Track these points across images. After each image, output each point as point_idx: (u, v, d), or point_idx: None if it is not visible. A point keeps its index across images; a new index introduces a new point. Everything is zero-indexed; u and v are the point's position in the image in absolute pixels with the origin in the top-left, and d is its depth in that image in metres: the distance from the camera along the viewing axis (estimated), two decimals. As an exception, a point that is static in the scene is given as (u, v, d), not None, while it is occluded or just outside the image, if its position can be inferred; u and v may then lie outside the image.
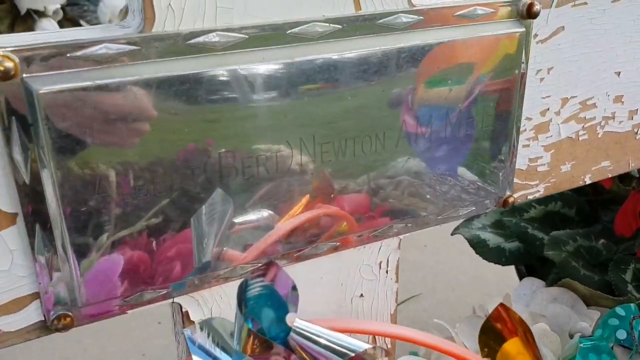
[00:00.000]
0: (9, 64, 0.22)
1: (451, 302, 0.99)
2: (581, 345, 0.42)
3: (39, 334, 0.28)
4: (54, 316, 0.27)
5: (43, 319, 0.27)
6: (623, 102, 0.40)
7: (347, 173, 0.31)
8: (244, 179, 0.28)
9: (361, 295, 0.36)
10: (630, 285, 0.51)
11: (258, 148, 0.28)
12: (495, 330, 0.27)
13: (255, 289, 0.28)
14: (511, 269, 0.73)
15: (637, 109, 0.41)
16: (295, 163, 0.29)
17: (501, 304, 0.26)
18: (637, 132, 0.42)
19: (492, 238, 0.63)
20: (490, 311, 0.53)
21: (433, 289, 1.05)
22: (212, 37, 0.25)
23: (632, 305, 0.42)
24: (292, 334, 0.28)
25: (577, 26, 0.36)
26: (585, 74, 0.38)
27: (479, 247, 0.63)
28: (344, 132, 0.30)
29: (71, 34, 0.24)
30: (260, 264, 0.28)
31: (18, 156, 0.24)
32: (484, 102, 0.33)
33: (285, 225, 0.31)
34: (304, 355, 0.27)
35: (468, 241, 0.64)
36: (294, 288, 0.28)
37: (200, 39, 0.25)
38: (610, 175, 0.42)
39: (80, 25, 1.28)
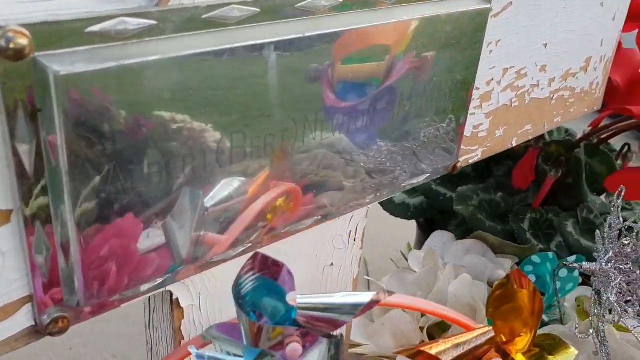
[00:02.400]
0: (23, 41, 0.19)
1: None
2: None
3: (27, 341, 0.25)
4: (48, 320, 0.24)
5: (34, 324, 0.24)
6: (546, 70, 0.44)
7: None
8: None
9: (331, 264, 0.36)
10: (529, 233, 0.57)
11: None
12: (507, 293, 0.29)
13: (248, 284, 0.27)
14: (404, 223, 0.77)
15: (554, 77, 0.45)
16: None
17: (517, 270, 0.28)
18: (552, 98, 0.46)
19: (397, 195, 0.66)
20: (410, 263, 0.56)
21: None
22: (229, 12, 0.24)
23: (551, 253, 0.48)
24: (298, 311, 0.28)
25: (522, 1, 0.38)
26: (522, 45, 0.40)
27: (386, 203, 0.66)
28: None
29: (75, 3, 0.21)
30: (248, 260, 0.26)
31: (23, 146, 0.20)
32: (450, 76, 0.34)
33: (257, 203, 0.31)
34: (317, 324, 0.27)
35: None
36: (286, 269, 0.27)
37: (217, 12, 0.23)
38: (530, 138, 0.47)
39: None
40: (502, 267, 0.52)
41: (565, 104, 0.48)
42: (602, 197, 0.64)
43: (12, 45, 0.19)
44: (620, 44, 0.53)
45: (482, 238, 0.55)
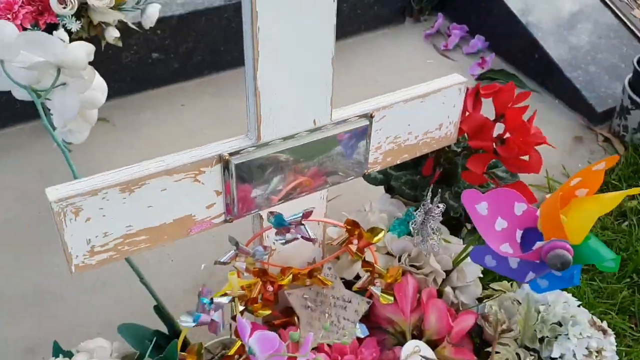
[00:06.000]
0: (228, 157, 0.86)
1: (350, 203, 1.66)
2: (394, 222, 1.11)
3: (221, 224, 0.93)
4: (227, 218, 0.92)
5: (223, 211, 0.93)
6: (411, 133, 1.07)
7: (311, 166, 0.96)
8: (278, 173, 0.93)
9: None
10: (425, 196, 1.21)
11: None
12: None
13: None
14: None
15: (418, 135, 1.08)
16: (294, 169, 0.94)
17: (351, 220, 0.93)
18: (419, 143, 1.09)
19: (373, 173, 1.31)
20: (367, 209, 1.23)
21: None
22: (279, 141, 0.90)
23: (412, 207, 1.12)
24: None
25: (391, 115, 1.01)
26: (395, 129, 1.04)
27: (366, 177, 1.31)
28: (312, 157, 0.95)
29: (231, 145, 0.88)
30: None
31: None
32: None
33: (291, 185, 0.97)
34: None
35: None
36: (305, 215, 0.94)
37: (275, 140, 0.89)
38: (408, 160, 1.10)
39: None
40: (401, 211, 1.17)
41: (429, 144, 1.11)
42: (472, 180, 1.25)
43: (226, 158, 0.86)
44: (467, 111, 1.13)
45: (400, 198, 1.19)
